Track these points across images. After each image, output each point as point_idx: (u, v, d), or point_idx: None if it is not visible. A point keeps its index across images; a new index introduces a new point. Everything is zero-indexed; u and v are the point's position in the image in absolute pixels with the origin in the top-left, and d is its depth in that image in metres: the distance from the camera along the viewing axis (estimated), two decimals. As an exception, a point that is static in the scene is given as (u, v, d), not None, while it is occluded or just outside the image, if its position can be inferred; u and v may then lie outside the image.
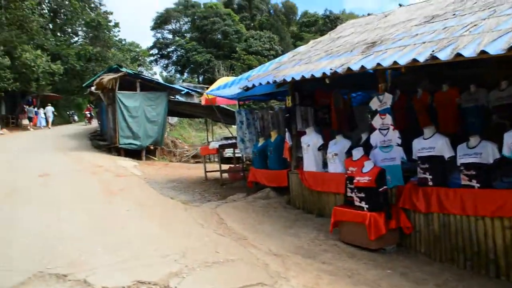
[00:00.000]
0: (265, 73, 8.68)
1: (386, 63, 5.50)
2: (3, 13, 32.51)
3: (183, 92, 22.77)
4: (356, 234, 6.01)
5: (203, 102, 13.51)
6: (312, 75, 6.58)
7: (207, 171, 12.71)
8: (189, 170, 15.61)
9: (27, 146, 19.11)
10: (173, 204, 8.79)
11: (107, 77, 17.34)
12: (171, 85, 22.58)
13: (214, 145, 12.03)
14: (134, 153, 18.00)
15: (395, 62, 5.33)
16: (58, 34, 42.69)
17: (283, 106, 11.24)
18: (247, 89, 8.71)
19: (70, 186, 10.49)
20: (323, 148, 8.03)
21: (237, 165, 13.20)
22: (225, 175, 12.50)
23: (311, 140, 8.12)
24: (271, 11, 77.72)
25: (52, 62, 32.53)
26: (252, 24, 70.47)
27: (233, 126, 35.49)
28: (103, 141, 21.51)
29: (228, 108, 18.09)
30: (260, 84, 8.06)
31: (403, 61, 5.25)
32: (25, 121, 31.68)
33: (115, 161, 15.85)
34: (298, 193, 8.55)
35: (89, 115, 34.60)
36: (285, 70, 8.10)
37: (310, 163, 8.14)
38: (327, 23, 70.90)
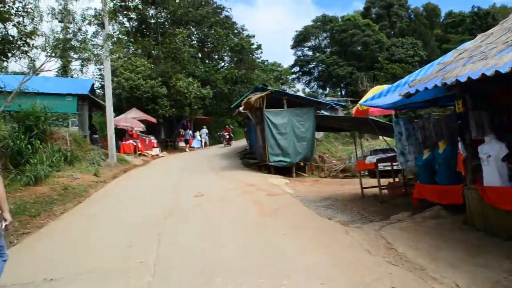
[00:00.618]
0: (429, 76, 7.63)
1: None
2: (160, 48, 35.75)
3: (327, 107, 22.33)
4: None
5: (354, 114, 12.73)
6: (497, 71, 5.45)
7: (364, 187, 11.82)
8: (342, 186, 14.86)
9: (184, 167, 20.26)
10: (332, 226, 8.11)
11: (254, 97, 17.57)
12: (318, 100, 22.26)
13: (371, 159, 11.12)
14: (284, 170, 17.89)
15: None
16: (206, 61, 45.57)
17: (443, 113, 9.97)
18: (409, 95, 7.73)
19: (224, 206, 10.57)
20: (508, 158, 6.72)
21: (397, 180, 12.09)
22: (384, 191, 11.48)
23: (491, 149, 6.86)
24: (412, 16, 73.99)
25: (202, 87, 34.71)
26: (392, 32, 67.95)
27: (380, 138, 33.99)
28: (253, 159, 21.86)
29: (377, 119, 17.04)
30: (426, 88, 7.05)
31: None
32: (181, 144, 34.02)
33: (266, 179, 15.83)
34: (477, 212, 7.25)
35: (227, 136, 34.02)
36: (454, 70, 6.98)
37: (492, 176, 6.86)
38: (476, 20, 65.22)
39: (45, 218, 9.57)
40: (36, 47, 10.13)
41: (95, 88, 33.13)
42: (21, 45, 9.59)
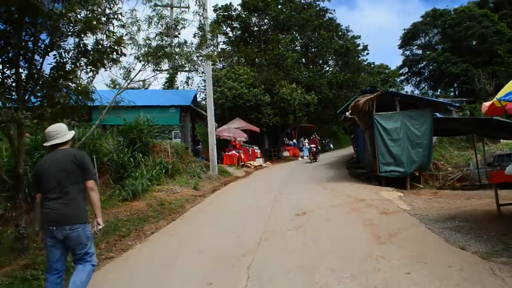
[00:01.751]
0: None
1: None
2: (263, 55, 35.42)
3: (449, 107, 20.19)
4: None
5: (483, 112, 10.45)
6: None
7: (501, 204, 9.63)
8: (467, 200, 12.61)
9: (287, 179, 19.52)
10: (469, 260, 6.16)
11: (363, 99, 15.95)
12: (435, 99, 20.00)
13: (514, 170, 8.95)
14: (396, 181, 15.93)
15: None
16: (310, 66, 44.48)
17: None
18: None
19: (329, 229, 9.05)
20: None
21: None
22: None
23: None
24: (539, -1, 65.90)
25: (306, 93, 33.67)
26: (514, 21, 60.85)
27: (501, 141, 30.27)
28: (361, 169, 20.27)
29: (502, 119, 14.59)
30: None
31: None
32: (285, 153, 33.38)
33: (376, 192, 14.11)
34: None
35: (314, 149, 29.68)
36: None
37: None
38: None
39: (133, 239, 8.90)
40: (124, 54, 9.59)
41: (200, 100, 33.53)
42: (110, 52, 9.07)
